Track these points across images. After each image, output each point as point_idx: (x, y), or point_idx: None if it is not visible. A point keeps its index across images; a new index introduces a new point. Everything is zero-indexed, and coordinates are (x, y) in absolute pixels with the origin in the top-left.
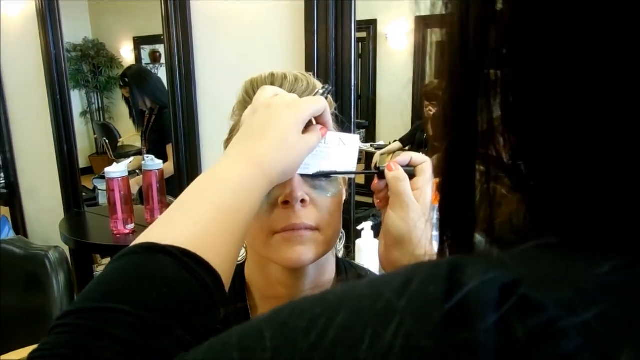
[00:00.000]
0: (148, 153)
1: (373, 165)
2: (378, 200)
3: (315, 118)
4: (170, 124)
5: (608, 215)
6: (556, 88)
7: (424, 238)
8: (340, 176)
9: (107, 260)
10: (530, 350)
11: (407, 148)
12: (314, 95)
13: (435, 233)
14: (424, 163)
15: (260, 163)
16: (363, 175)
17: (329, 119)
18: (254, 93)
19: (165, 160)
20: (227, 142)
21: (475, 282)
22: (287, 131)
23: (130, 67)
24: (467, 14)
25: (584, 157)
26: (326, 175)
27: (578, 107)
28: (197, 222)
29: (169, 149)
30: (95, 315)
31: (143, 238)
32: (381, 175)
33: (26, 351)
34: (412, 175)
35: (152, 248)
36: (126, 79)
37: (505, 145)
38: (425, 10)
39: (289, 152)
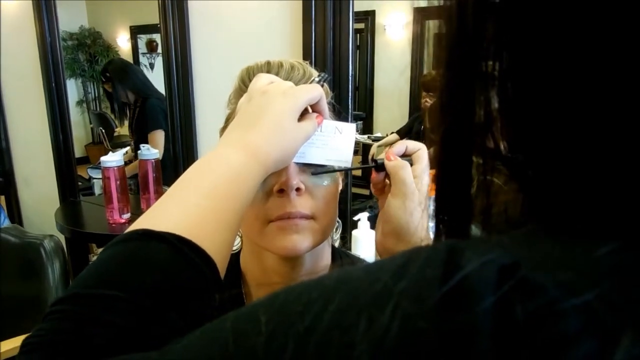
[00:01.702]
0: (136, 144)
1: (370, 157)
2: (375, 190)
3: (311, 106)
4: (151, 113)
5: (605, 201)
6: (553, 77)
7: (421, 226)
8: (337, 166)
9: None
10: (530, 332)
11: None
12: (310, 82)
13: (432, 223)
14: (419, 150)
15: (255, 151)
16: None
17: (325, 107)
18: (250, 81)
19: None
20: (223, 130)
21: (474, 264)
22: (283, 118)
23: (110, 62)
24: (465, 2)
25: (581, 146)
26: (327, 171)
27: (575, 96)
28: (191, 210)
29: (150, 137)
30: (90, 301)
31: (137, 225)
32: (378, 168)
33: (20, 340)
34: (409, 164)
35: (147, 234)
36: (108, 74)
37: (502, 135)
38: (423, 2)
39: (285, 140)
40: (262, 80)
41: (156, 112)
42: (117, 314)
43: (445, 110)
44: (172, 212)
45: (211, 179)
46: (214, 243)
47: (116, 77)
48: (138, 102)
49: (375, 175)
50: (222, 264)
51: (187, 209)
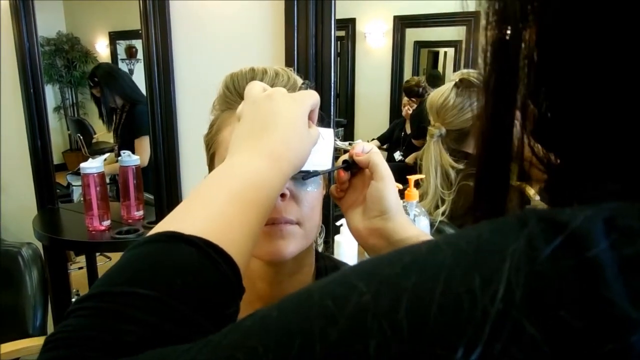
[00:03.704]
0: (120, 150)
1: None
2: (338, 190)
3: None
4: (139, 119)
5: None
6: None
7: (401, 204)
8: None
9: (81, 258)
10: None
11: (385, 146)
12: (299, 89)
13: (426, 220)
14: (373, 148)
15: (276, 156)
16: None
17: (317, 113)
18: (234, 88)
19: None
20: (207, 136)
21: (580, 219)
22: (297, 122)
23: (98, 67)
24: (513, 7)
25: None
26: (317, 174)
27: (610, 94)
28: (218, 215)
29: (138, 142)
30: (120, 299)
31: (162, 227)
32: (350, 167)
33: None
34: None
35: (175, 237)
36: (96, 79)
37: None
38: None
39: (302, 146)
40: (257, 87)
41: (145, 118)
42: (149, 312)
43: (490, 112)
44: (199, 216)
45: (236, 185)
46: (237, 248)
47: (104, 82)
48: (125, 107)
49: (343, 175)
50: (244, 269)
51: (213, 214)
